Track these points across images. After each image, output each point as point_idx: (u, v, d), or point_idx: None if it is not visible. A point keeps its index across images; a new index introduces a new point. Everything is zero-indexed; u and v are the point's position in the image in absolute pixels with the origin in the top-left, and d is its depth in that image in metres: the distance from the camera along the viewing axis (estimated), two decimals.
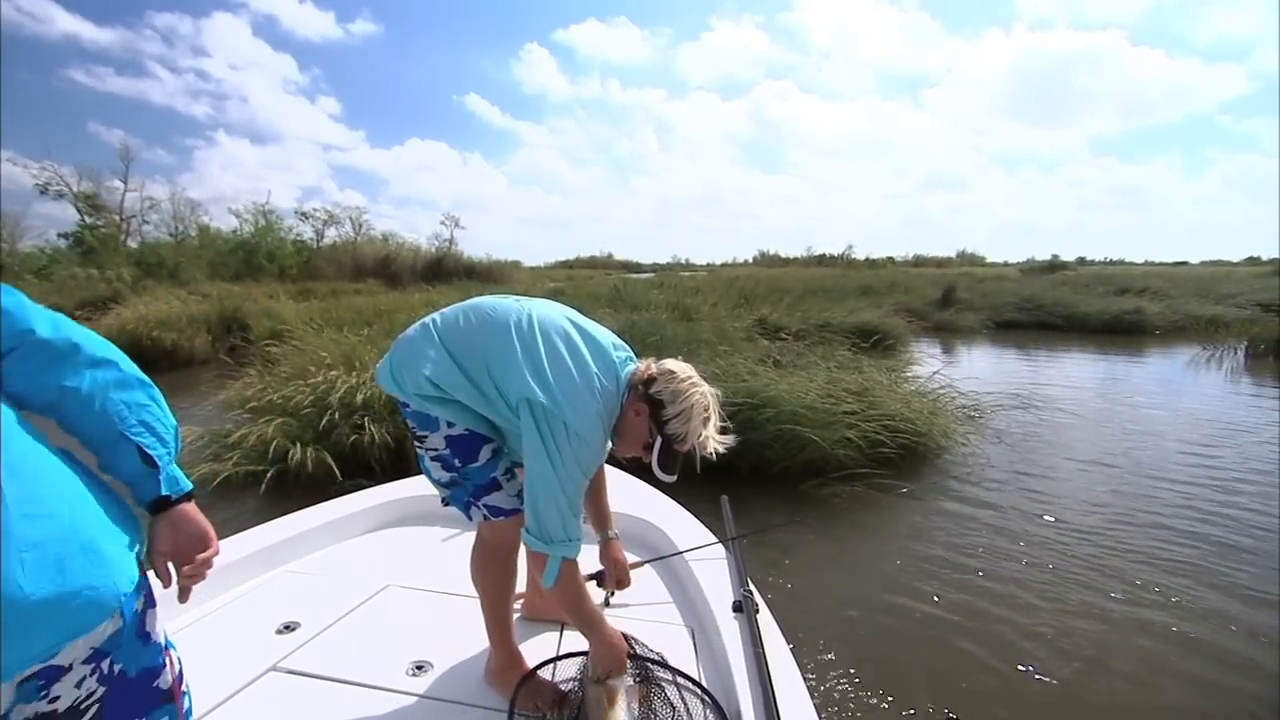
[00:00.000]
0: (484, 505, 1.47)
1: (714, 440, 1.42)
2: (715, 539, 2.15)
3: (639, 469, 1.88)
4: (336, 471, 4.31)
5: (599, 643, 1.40)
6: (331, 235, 28.39)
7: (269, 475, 4.30)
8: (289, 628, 1.79)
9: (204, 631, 1.78)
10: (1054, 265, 43.35)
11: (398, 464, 4.59)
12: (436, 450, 1.44)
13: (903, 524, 4.06)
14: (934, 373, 7.02)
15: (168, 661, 0.95)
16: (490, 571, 1.53)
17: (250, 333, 10.11)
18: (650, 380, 1.41)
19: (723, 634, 1.68)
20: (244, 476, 4.38)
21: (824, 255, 57.33)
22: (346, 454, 4.53)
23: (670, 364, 1.44)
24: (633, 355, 1.55)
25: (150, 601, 0.91)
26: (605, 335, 1.52)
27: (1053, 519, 4.14)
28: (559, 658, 1.56)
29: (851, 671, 2.57)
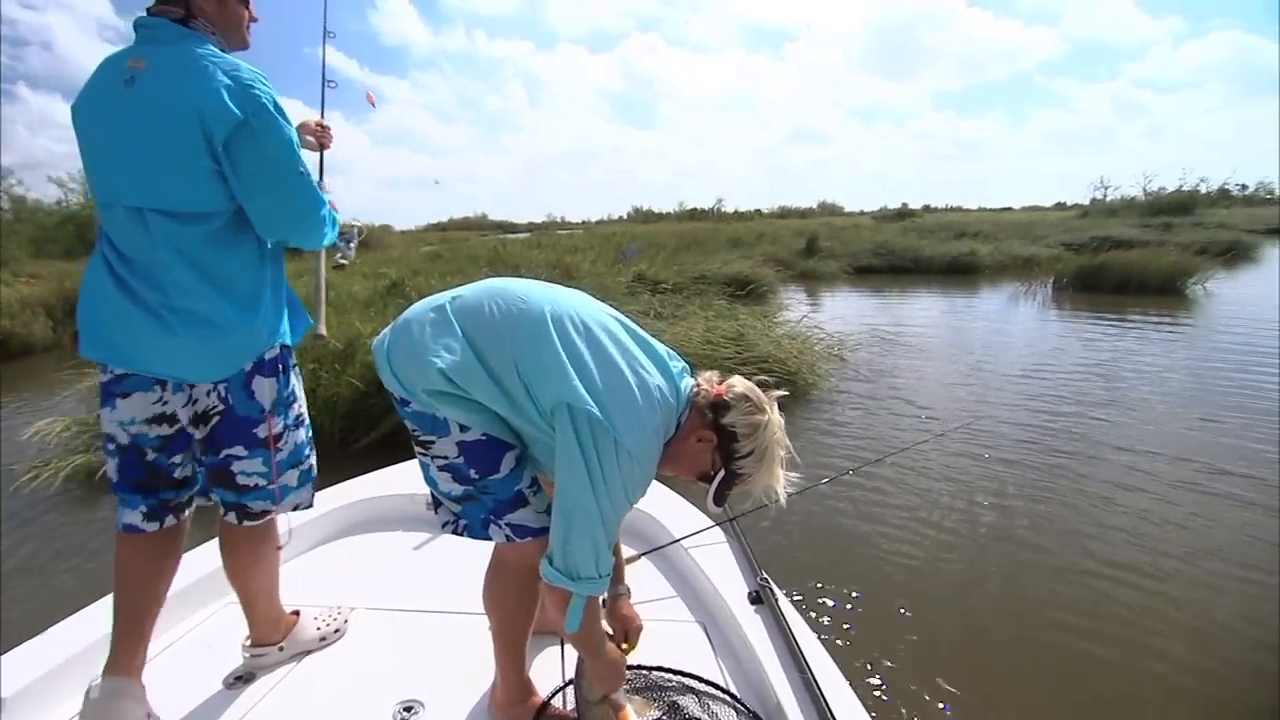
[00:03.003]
0: (507, 524, 1.25)
1: (783, 485, 1.27)
2: (712, 522, 1.98)
3: None
4: None
5: (602, 663, 1.27)
6: None
7: None
8: (242, 679, 1.52)
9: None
10: (903, 213, 46.90)
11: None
12: (446, 459, 1.21)
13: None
14: (802, 317, 7.67)
15: (268, 422, 1.39)
16: (514, 598, 1.33)
17: None
18: (722, 405, 1.22)
19: (743, 628, 1.53)
20: None
21: (695, 209, 58.63)
22: None
23: (741, 386, 1.26)
24: (688, 366, 1.35)
25: (261, 371, 1.36)
26: (658, 342, 1.32)
27: (910, 426, 4.80)
28: (569, 684, 1.41)
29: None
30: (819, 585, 2.89)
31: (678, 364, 1.31)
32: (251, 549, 1.51)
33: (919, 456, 4.28)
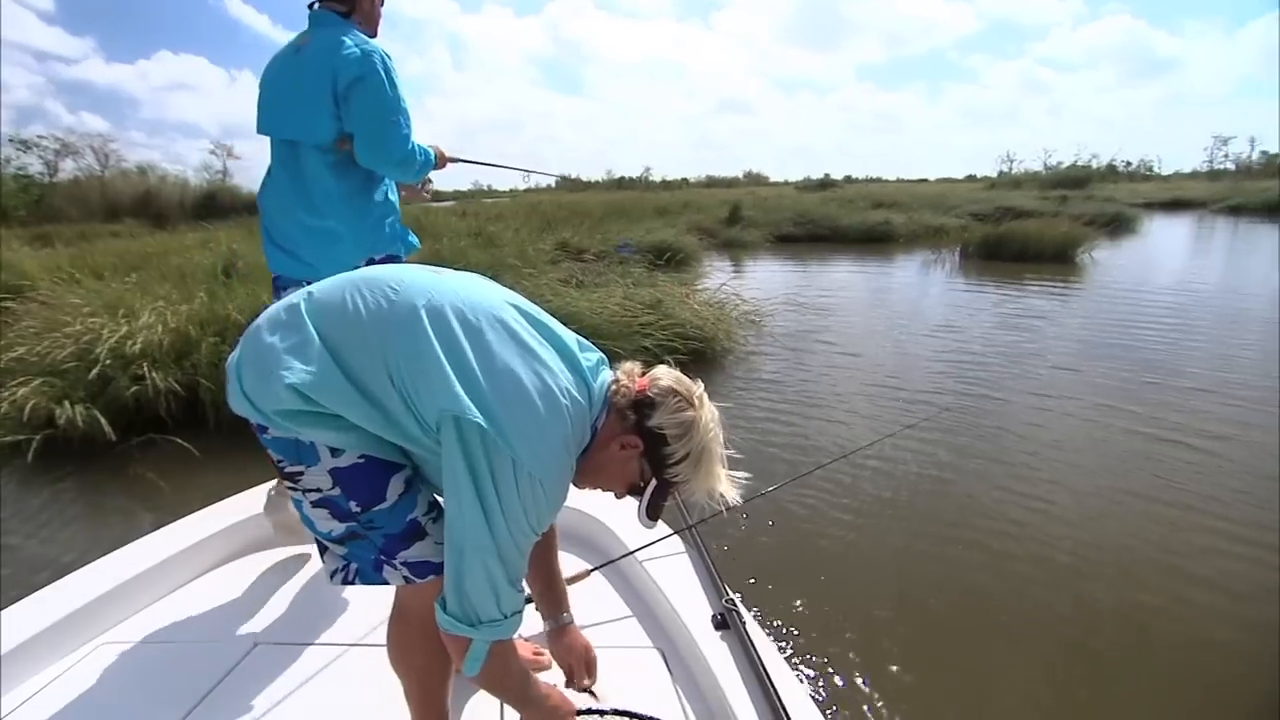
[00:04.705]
0: (403, 562, 1.04)
1: (728, 487, 1.08)
2: (669, 530, 1.76)
3: None
4: (107, 429, 3.91)
5: (538, 715, 1.09)
6: (69, 168, 23.31)
7: (35, 443, 3.81)
8: None
9: None
10: (825, 184, 48.00)
11: (190, 414, 4.32)
12: (320, 492, 0.99)
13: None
14: (721, 284, 7.86)
15: None
16: (422, 650, 1.10)
17: None
18: (647, 403, 1.03)
19: (706, 658, 1.36)
20: (4, 449, 3.85)
21: (623, 178, 58.46)
22: (130, 408, 4.12)
23: (667, 379, 1.06)
24: (605, 358, 1.13)
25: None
26: (567, 331, 1.10)
27: (824, 383, 5.06)
28: None
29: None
30: (774, 586, 2.64)
31: (591, 356, 1.10)
32: None
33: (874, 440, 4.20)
